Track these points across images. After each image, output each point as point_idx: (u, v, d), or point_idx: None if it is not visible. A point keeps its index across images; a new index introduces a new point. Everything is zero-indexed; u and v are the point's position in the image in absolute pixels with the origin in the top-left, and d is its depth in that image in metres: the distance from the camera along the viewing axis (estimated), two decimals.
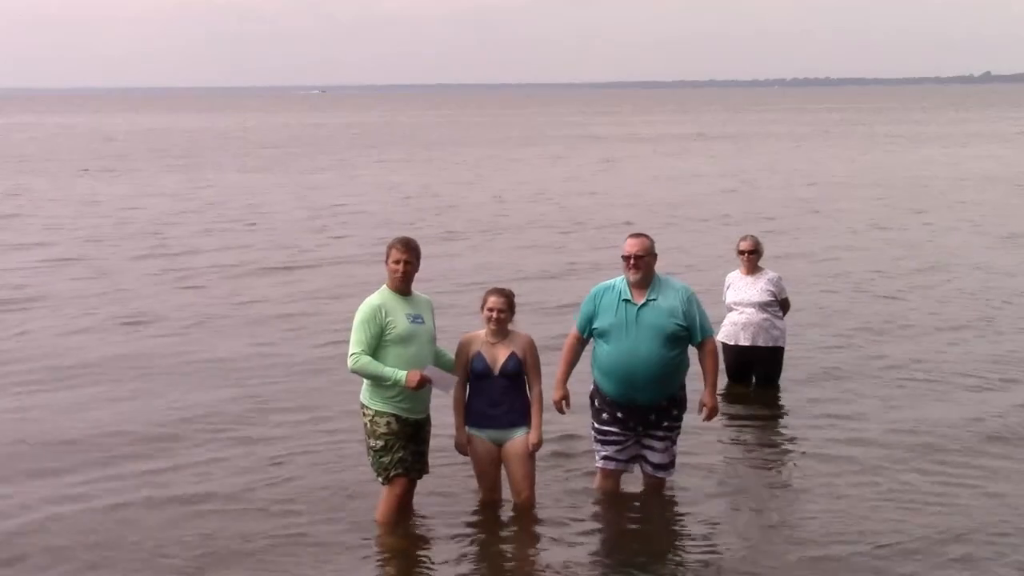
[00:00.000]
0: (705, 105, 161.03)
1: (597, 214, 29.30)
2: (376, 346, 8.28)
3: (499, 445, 8.71)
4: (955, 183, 37.41)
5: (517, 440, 8.68)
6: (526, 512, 8.78)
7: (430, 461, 8.74)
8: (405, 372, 8.22)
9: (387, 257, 8.45)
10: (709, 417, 9.08)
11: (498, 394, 8.60)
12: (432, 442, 8.73)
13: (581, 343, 8.98)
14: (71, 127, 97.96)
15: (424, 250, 8.71)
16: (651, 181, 39.59)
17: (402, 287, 8.43)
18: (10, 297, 18.25)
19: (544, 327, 12.80)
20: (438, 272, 18.45)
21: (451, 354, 8.73)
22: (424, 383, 8.27)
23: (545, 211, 30.46)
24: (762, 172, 42.52)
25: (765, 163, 47.36)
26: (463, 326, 10.19)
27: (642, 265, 8.71)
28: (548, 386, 8.80)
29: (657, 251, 8.89)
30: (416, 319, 8.42)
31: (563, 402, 8.92)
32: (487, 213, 29.96)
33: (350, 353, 8.30)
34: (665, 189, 36.56)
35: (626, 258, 8.74)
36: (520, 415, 8.67)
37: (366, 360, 8.26)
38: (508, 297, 8.67)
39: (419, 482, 8.72)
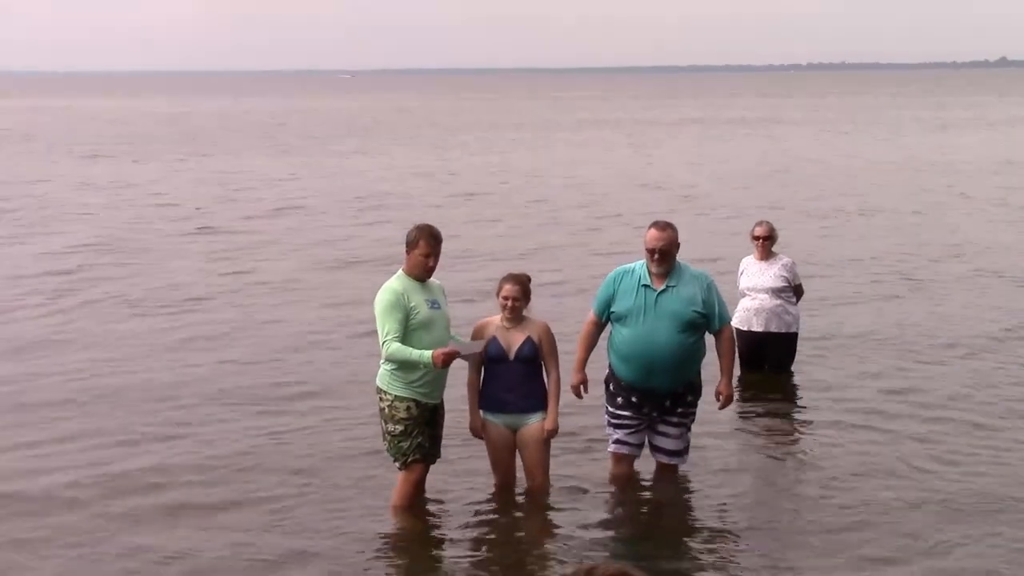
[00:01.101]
0: (745, 90, 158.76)
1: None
2: (404, 331, 8.27)
3: (514, 430, 8.73)
4: None
5: (532, 426, 8.70)
6: (540, 497, 8.82)
7: (444, 445, 8.77)
8: (430, 352, 8.21)
9: (412, 247, 8.37)
10: (724, 406, 9.12)
11: (514, 379, 8.60)
12: (446, 426, 8.76)
13: (599, 327, 8.97)
14: (130, 109, 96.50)
15: None
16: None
17: (426, 277, 8.46)
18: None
19: None
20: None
21: (465, 340, 8.73)
22: (451, 359, 8.28)
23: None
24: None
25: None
26: None
27: (667, 258, 8.65)
28: (565, 372, 8.81)
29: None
30: (433, 304, 8.43)
31: (582, 386, 8.95)
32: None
33: (382, 340, 8.26)
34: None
35: (650, 251, 8.64)
36: (536, 400, 8.68)
37: (398, 345, 8.22)
38: (523, 284, 8.64)
39: (434, 466, 8.74)
